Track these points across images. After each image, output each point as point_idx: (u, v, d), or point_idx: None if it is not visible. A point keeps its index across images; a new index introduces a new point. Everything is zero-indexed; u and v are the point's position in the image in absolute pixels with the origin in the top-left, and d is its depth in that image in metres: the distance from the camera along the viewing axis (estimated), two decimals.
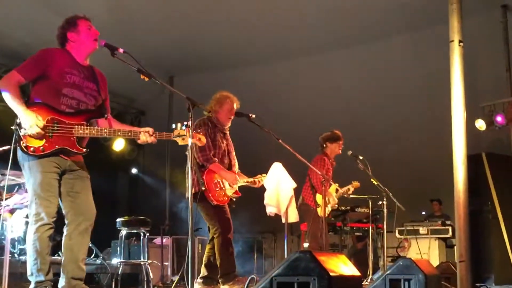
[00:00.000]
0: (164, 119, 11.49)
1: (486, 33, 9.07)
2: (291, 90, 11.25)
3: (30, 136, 4.17)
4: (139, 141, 4.49)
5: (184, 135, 4.40)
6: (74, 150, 4.33)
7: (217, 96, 6.28)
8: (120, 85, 10.37)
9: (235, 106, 6.20)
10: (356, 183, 8.12)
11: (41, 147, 4.20)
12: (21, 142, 4.19)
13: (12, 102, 4.18)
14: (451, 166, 5.29)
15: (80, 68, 4.50)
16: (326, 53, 10.44)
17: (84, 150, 4.39)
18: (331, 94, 11.14)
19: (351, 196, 8.14)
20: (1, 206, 6.60)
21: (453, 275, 6.20)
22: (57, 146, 4.24)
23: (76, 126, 4.31)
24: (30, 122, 4.12)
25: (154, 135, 4.48)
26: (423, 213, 11.94)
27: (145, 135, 4.46)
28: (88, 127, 4.36)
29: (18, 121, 4.19)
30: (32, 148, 4.19)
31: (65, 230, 4.41)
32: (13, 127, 4.24)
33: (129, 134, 4.53)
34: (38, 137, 4.17)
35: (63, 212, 4.45)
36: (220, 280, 5.88)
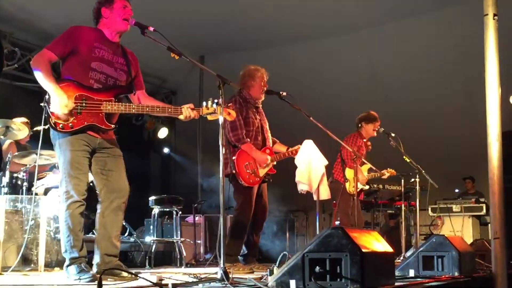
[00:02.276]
0: (195, 99, 11.49)
1: None
2: (323, 69, 11.17)
3: (57, 116, 4.22)
4: (181, 117, 4.48)
5: (212, 113, 4.39)
6: (103, 127, 4.36)
7: (246, 71, 6.23)
8: (152, 65, 10.43)
9: (266, 78, 6.19)
10: (391, 170, 7.99)
11: (70, 124, 4.23)
12: (50, 119, 4.23)
13: (44, 80, 4.21)
14: (485, 143, 5.20)
15: (110, 44, 4.52)
16: (359, 31, 10.35)
17: (113, 126, 4.42)
18: (363, 72, 11.05)
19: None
20: (36, 185, 6.71)
21: (488, 252, 6.14)
22: (85, 123, 4.28)
23: (104, 103, 4.33)
24: (60, 102, 4.15)
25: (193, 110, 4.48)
26: (456, 190, 11.83)
27: (188, 110, 4.46)
28: (117, 103, 4.37)
29: (47, 97, 4.24)
30: (61, 125, 4.22)
31: (98, 207, 4.47)
32: (42, 104, 4.28)
33: (157, 110, 4.53)
34: (64, 118, 4.21)
35: (97, 190, 4.51)
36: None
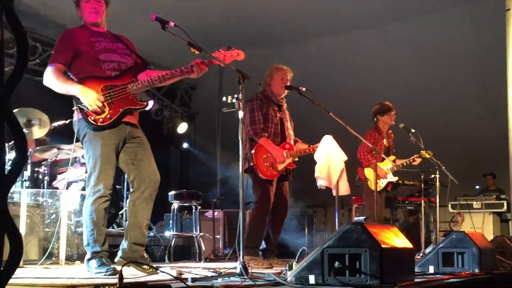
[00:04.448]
0: (215, 94, 11.54)
1: None
2: (343, 64, 11.13)
3: (92, 112, 4.26)
4: (193, 75, 4.53)
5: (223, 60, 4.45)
6: (137, 107, 4.45)
7: (267, 70, 6.36)
8: (171, 61, 10.44)
9: (288, 75, 6.23)
10: (424, 153, 7.60)
11: (108, 115, 4.30)
12: (89, 118, 4.28)
13: (65, 86, 4.31)
14: (506, 139, 5.16)
15: (102, 34, 4.60)
16: (382, 26, 10.29)
17: (145, 103, 4.49)
18: (384, 68, 10.99)
19: (402, 169, 7.94)
20: (57, 179, 6.77)
21: (508, 249, 6.10)
22: (121, 109, 4.35)
23: (129, 85, 4.39)
24: (90, 98, 4.21)
25: (204, 63, 4.52)
26: (477, 187, 11.73)
27: (197, 66, 4.49)
28: (140, 81, 4.45)
29: (76, 98, 4.29)
30: (101, 119, 4.29)
31: (129, 196, 4.54)
32: (74, 108, 4.34)
33: (176, 73, 4.54)
34: (99, 111, 4.25)
35: (129, 180, 4.57)
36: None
